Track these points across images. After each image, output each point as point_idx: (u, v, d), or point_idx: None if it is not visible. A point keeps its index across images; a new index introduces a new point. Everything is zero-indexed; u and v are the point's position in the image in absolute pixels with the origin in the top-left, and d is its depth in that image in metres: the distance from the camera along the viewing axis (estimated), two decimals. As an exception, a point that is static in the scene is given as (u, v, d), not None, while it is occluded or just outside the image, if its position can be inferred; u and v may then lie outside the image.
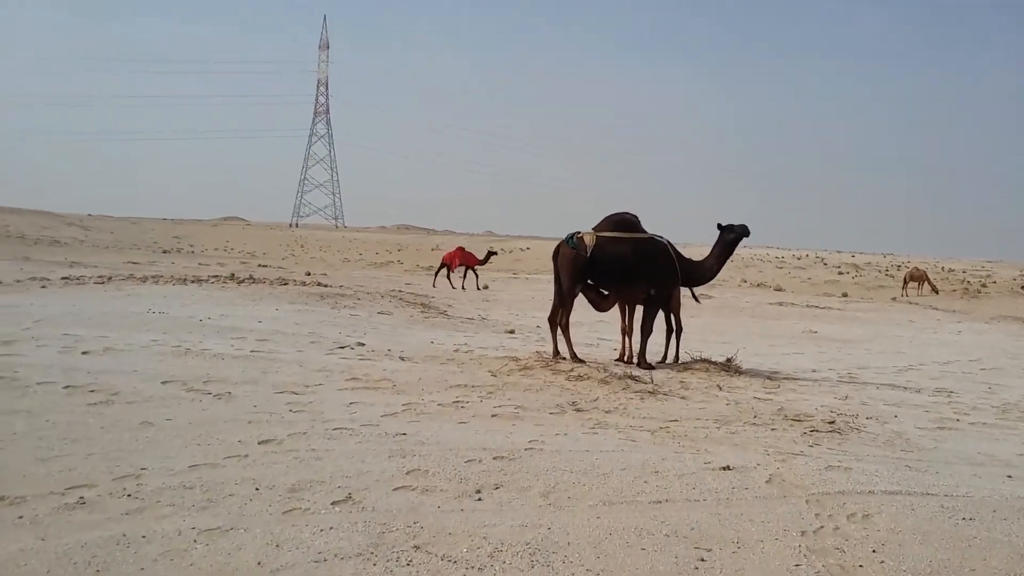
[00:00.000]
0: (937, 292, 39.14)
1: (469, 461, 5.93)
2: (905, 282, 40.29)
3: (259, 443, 6.11)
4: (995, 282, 47.35)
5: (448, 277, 29.37)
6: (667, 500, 5.32)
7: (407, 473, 5.56)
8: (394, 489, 5.24)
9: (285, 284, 20.79)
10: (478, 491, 5.32)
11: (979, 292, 40.81)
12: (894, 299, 36.41)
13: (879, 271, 52.47)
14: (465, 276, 29.21)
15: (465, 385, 9.00)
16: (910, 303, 34.32)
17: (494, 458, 6.05)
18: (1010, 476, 6.46)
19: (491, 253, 30.96)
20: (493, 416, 7.62)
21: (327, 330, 12.89)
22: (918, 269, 42.04)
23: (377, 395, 8.17)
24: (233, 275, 22.53)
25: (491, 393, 8.68)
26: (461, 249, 30.06)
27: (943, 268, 59.56)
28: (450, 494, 5.22)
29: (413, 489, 5.26)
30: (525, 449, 6.37)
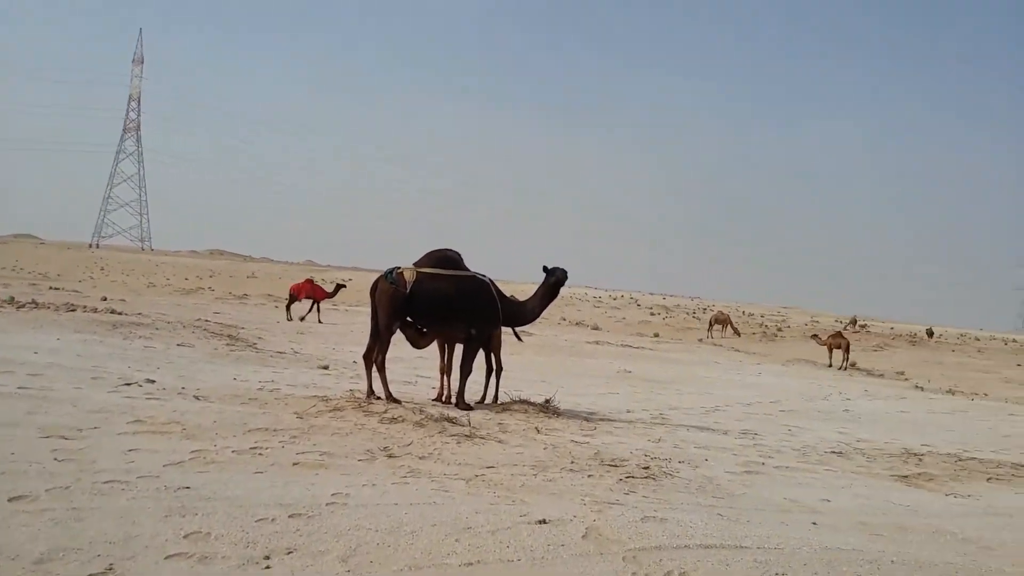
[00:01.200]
0: (739, 335, 41.51)
1: (260, 520, 5.28)
2: (710, 325, 42.51)
3: (9, 500, 5.18)
4: (789, 326, 50.98)
5: (287, 308, 28.35)
6: (479, 562, 4.91)
7: (185, 536, 4.84)
8: (166, 557, 4.52)
9: (73, 310, 18.88)
10: (267, 557, 4.69)
11: (776, 336, 43.69)
12: (700, 340, 38.25)
13: (687, 313, 55.24)
14: (311, 309, 28.32)
15: (266, 429, 8.25)
16: (715, 344, 36.14)
17: (290, 516, 5.42)
18: (815, 523, 6.54)
19: (339, 286, 29.96)
20: (295, 464, 6.96)
21: (114, 364, 11.64)
22: (722, 313, 44.55)
23: (162, 441, 7.28)
24: (12, 298, 20.25)
25: (295, 438, 7.99)
26: (310, 281, 29.23)
27: (744, 312, 63.64)
28: (233, 562, 4.56)
29: (189, 557, 4.56)
30: (327, 504, 5.78)
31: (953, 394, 22.11)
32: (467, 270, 11.15)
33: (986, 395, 22.74)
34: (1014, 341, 62.03)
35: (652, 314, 50.11)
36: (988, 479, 9.55)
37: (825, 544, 5.76)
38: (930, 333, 53.99)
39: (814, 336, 30.62)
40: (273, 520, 5.31)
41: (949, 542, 6.32)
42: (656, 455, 8.90)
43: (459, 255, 11.19)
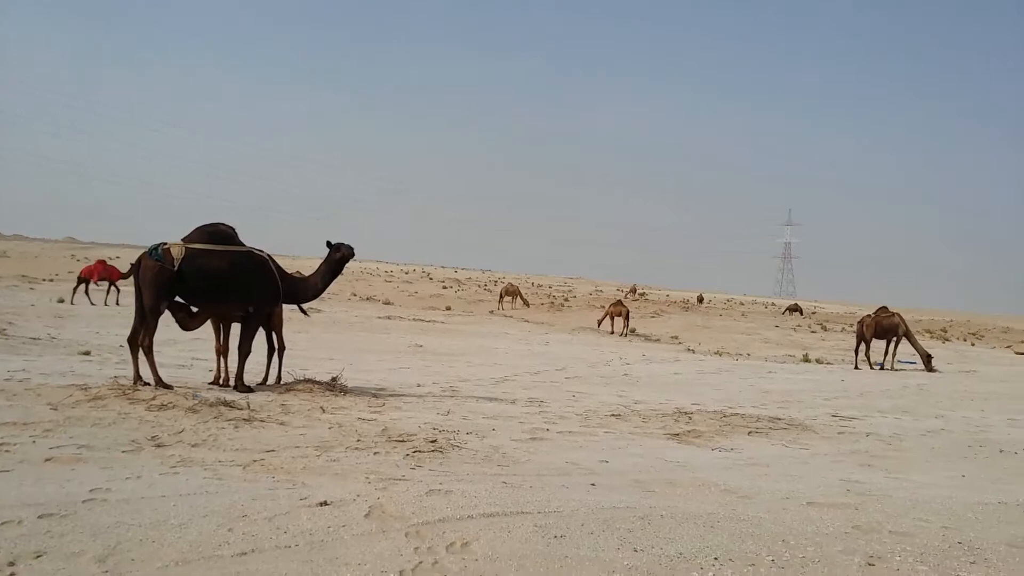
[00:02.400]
0: (528, 305, 42.72)
1: (4, 523, 4.71)
2: (501, 296, 43.43)
3: None
4: (576, 296, 53.15)
5: (87, 292, 26.05)
6: (254, 550, 4.64)
7: (-98, 553, 4.22)
8: None
9: None
10: (11, 563, 4.19)
11: (563, 306, 45.39)
12: (492, 312, 38.99)
13: (479, 286, 56.10)
14: (109, 291, 26.18)
15: (14, 423, 7.43)
16: (506, 316, 36.97)
17: (39, 516, 4.89)
18: (593, 484, 6.77)
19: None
20: (47, 460, 6.31)
21: None
22: (512, 284, 45.64)
23: None
24: None
25: (48, 431, 7.25)
26: (102, 262, 27.03)
27: (533, 283, 65.62)
28: (-36, 575, 4.03)
29: (-93, 575, 3.98)
30: (83, 501, 5.26)
31: (720, 355, 23.94)
32: (242, 245, 10.59)
33: (749, 355, 24.81)
34: (773, 304, 68.24)
35: (444, 287, 50.48)
36: (749, 432, 10.34)
37: (602, 504, 5.98)
38: (700, 299, 58.23)
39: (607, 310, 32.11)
40: (20, 522, 4.76)
41: (713, 493, 6.75)
42: (444, 428, 8.90)
43: (233, 229, 10.59)
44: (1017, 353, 33.75)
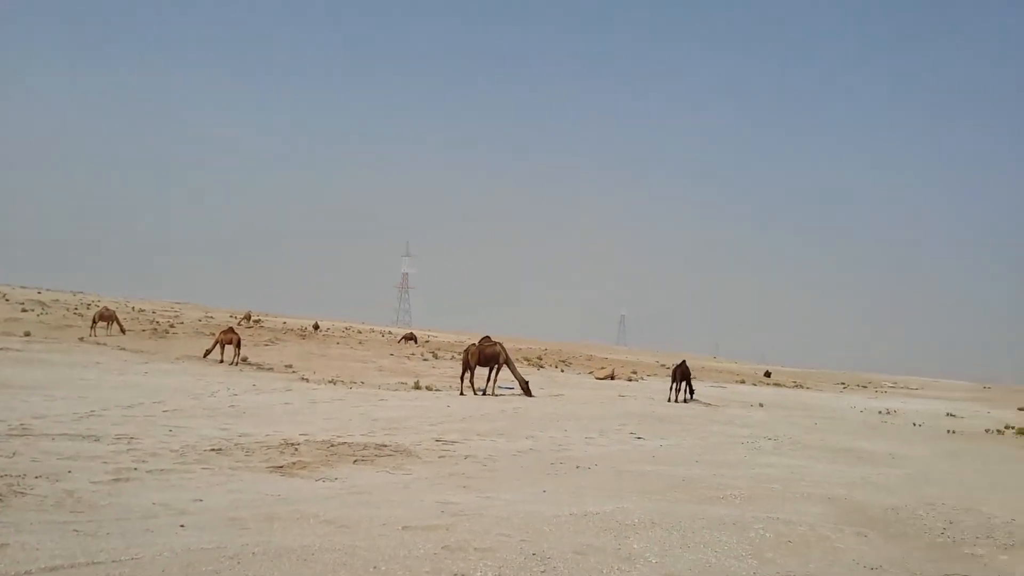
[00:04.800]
0: (124, 332, 39.14)
1: None
2: (94, 322, 39.23)
3: None
4: (183, 322, 49.78)
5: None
6: None
7: None
8: None
9: None
10: None
11: (167, 332, 42.26)
12: (82, 339, 35.07)
13: (68, 309, 50.22)
14: None
15: None
16: (99, 343, 33.46)
17: None
18: (183, 525, 6.26)
19: None
20: None
21: None
22: (107, 309, 41.47)
23: None
24: None
25: None
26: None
27: (134, 308, 60.34)
28: None
29: None
30: None
31: (335, 384, 23.87)
32: None
33: (363, 383, 25.07)
34: (390, 333, 70.07)
35: (24, 310, 44.28)
36: (354, 461, 10.37)
37: (189, 546, 5.52)
38: (317, 327, 57.96)
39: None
40: None
41: (312, 525, 6.59)
42: (7, 472, 7.70)
43: None
44: (597, 378, 38.27)
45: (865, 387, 57.31)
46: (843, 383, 60.37)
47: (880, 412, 28.47)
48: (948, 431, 21.20)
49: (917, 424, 23.35)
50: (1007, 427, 23.25)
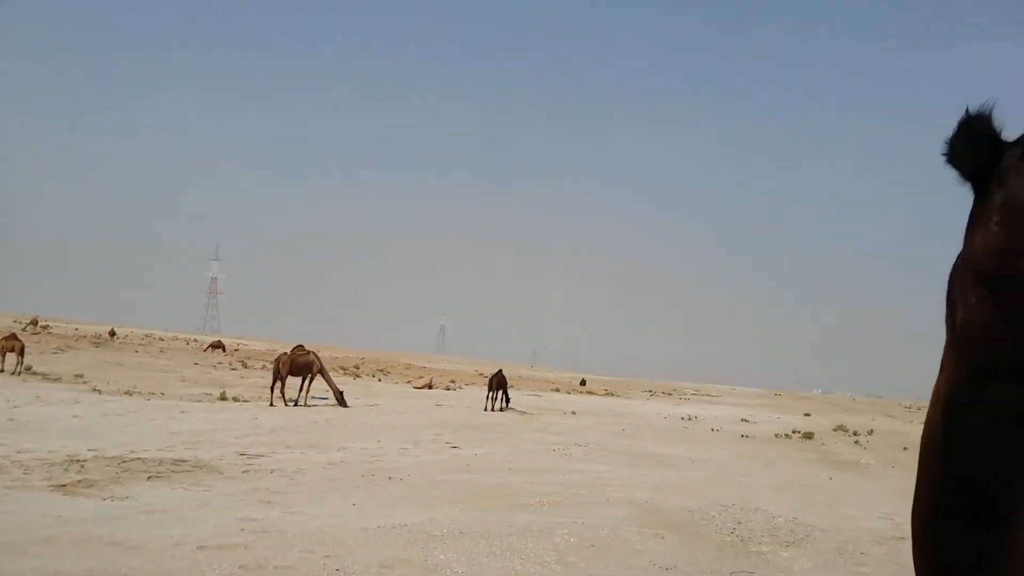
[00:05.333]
0: None
1: None
2: None
3: None
4: (-42, 329, 45.12)
5: None
6: None
7: None
8: None
9: None
10: None
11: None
12: None
13: None
14: None
15: None
16: None
17: None
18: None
19: None
20: None
21: None
22: None
23: None
24: None
25: None
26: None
27: (-99, 312, 54.10)
28: None
29: None
30: None
31: (131, 395, 22.35)
32: None
33: (163, 394, 23.61)
34: (195, 341, 66.66)
35: None
36: (149, 478, 9.70)
37: (-57, 579, 4.93)
38: (113, 334, 54.22)
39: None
40: None
41: (96, 547, 6.08)
42: None
43: None
44: (415, 387, 38.09)
45: (670, 394, 60.55)
46: (650, 391, 63.47)
47: (682, 418, 30.09)
48: (742, 436, 22.71)
49: (715, 429, 24.85)
50: (793, 431, 25.23)
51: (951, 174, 1.19)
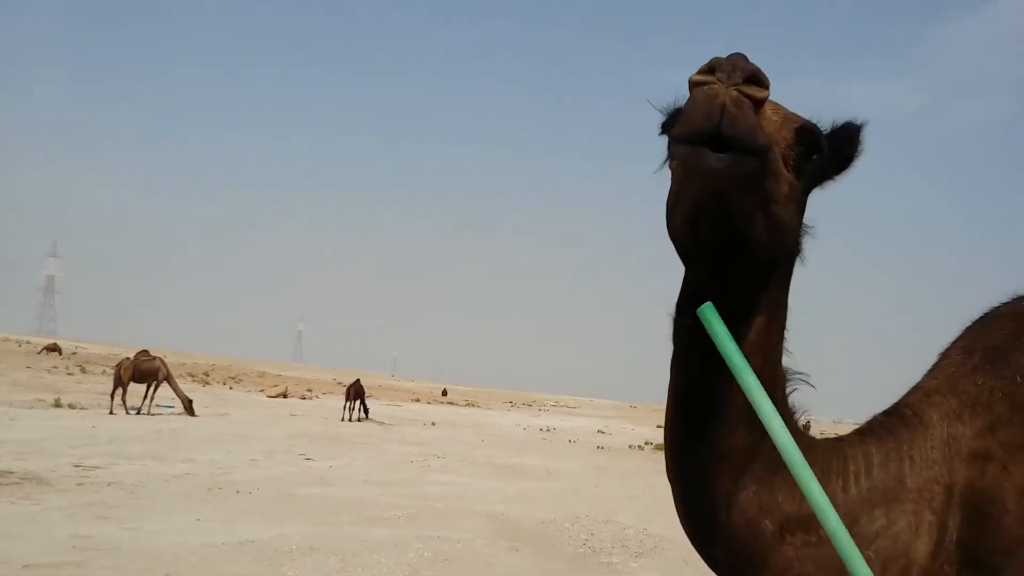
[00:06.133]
0: None
1: None
2: None
3: None
4: None
5: None
6: None
7: None
8: None
9: None
10: None
11: None
12: None
13: None
14: None
15: None
16: None
17: None
18: None
19: None
20: None
21: None
22: None
23: None
24: None
25: None
26: None
27: None
28: None
29: None
30: None
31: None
32: None
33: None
34: (28, 343, 62.26)
35: None
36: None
37: None
38: (-62, 335, 49.92)
39: None
40: None
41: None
42: None
43: None
44: (269, 396, 36.88)
45: (530, 405, 61.37)
46: (511, 401, 64.08)
47: (541, 429, 30.51)
48: (598, 447, 23.24)
49: (572, 441, 25.32)
50: (646, 443, 26.05)
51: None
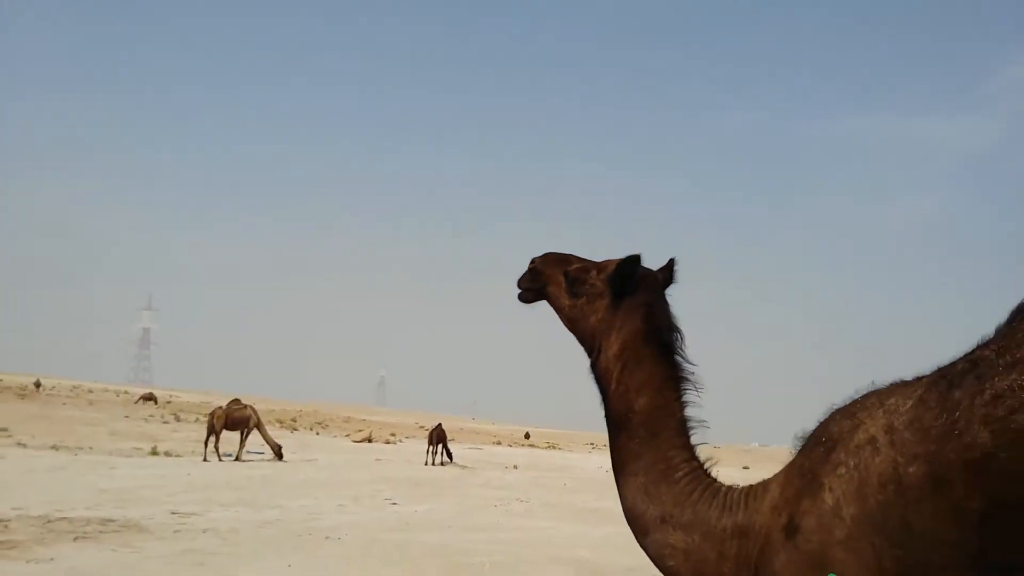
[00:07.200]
0: None
1: None
2: None
3: None
4: None
5: None
6: None
7: None
8: None
9: None
10: None
11: None
12: None
13: None
14: None
15: None
16: None
17: None
18: None
19: None
20: None
21: None
22: None
23: None
24: None
25: None
26: None
27: None
28: None
29: None
30: None
31: (57, 449, 21.54)
32: None
33: (91, 448, 22.81)
34: (126, 393, 64.72)
35: None
36: (75, 538, 9.32)
37: None
38: (38, 385, 52.38)
39: None
40: None
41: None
42: None
43: None
44: (354, 441, 37.46)
45: (611, 447, 60.46)
46: (592, 443, 63.43)
47: (623, 472, 30.05)
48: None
49: (655, 483, 24.86)
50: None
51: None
